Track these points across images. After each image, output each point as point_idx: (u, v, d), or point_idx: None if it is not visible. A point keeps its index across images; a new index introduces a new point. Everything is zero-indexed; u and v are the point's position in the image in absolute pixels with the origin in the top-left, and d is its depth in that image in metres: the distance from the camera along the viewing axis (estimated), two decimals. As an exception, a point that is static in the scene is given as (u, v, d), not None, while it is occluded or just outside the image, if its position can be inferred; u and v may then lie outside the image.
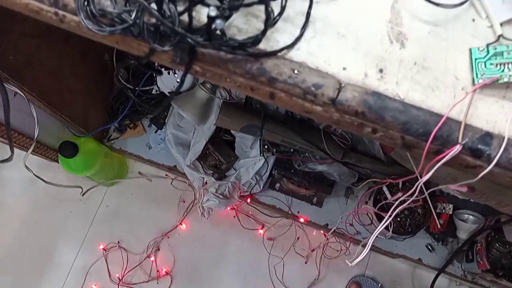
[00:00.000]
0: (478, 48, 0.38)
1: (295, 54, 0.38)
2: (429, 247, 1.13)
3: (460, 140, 0.36)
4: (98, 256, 1.20)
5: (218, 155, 1.08)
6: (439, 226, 1.05)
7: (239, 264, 1.22)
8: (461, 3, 0.38)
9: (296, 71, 0.37)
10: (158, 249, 1.22)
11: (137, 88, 1.04)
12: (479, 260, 1.04)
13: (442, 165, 0.38)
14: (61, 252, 1.22)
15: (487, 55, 0.37)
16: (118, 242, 1.21)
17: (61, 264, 1.21)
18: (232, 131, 1.09)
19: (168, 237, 1.23)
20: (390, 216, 0.48)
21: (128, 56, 1.05)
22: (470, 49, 0.38)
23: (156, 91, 1.07)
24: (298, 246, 1.22)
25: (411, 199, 0.47)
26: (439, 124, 0.36)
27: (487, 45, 0.38)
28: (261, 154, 1.08)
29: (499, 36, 0.38)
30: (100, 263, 1.20)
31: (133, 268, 1.19)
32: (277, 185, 1.17)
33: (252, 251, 1.23)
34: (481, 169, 0.36)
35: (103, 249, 1.20)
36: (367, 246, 0.48)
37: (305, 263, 1.22)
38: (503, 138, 0.35)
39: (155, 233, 1.22)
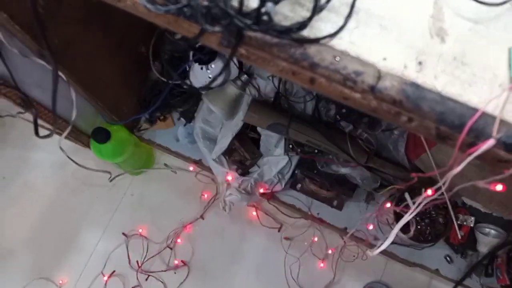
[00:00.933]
0: (518, 47, 0.39)
1: (337, 43, 0.40)
2: (448, 258, 1.12)
3: (494, 134, 0.37)
4: (120, 242, 1.23)
5: (244, 151, 1.10)
6: (459, 237, 1.04)
7: (255, 260, 1.24)
8: (503, 2, 0.39)
9: (337, 58, 0.39)
10: (178, 240, 1.24)
11: (170, 81, 1.08)
12: (499, 275, 1.02)
13: (473, 160, 0.38)
14: (85, 236, 1.26)
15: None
16: (140, 230, 1.24)
17: (84, 247, 1.25)
18: (259, 129, 1.11)
19: (188, 229, 1.25)
20: (414, 210, 0.49)
21: (164, 50, 1.08)
22: (510, 48, 0.39)
23: (188, 85, 1.10)
24: (315, 248, 1.23)
25: (436, 194, 0.47)
26: (475, 117, 0.37)
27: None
28: (286, 153, 1.10)
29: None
30: (120, 250, 1.23)
31: (152, 257, 1.22)
32: (299, 185, 1.18)
33: (269, 249, 1.24)
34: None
35: (125, 235, 1.23)
36: (390, 235, 0.49)
37: (321, 265, 1.23)
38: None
39: (176, 224, 1.25)
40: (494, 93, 0.38)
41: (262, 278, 1.22)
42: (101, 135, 1.02)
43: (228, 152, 1.11)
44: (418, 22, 0.40)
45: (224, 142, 1.08)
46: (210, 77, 1.04)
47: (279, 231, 1.25)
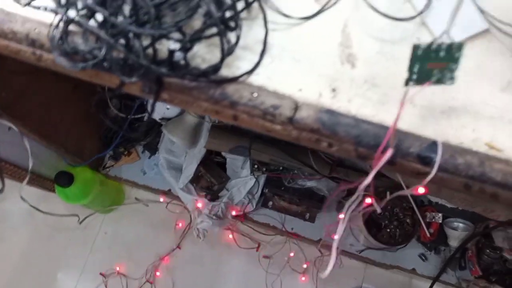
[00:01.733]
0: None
1: (255, 79, 0.42)
2: (422, 256, 1.14)
3: (391, 145, 0.38)
4: (98, 283, 1.22)
5: (210, 176, 1.11)
6: (428, 235, 1.07)
7: (237, 284, 1.23)
8: (411, 18, 0.42)
9: (255, 94, 0.40)
10: (157, 273, 1.23)
11: (129, 117, 1.08)
12: (472, 267, 1.05)
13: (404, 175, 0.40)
14: (62, 281, 1.24)
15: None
16: (117, 268, 1.23)
17: (62, 293, 1.22)
18: (223, 152, 1.12)
19: (166, 261, 1.24)
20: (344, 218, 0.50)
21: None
22: (414, 45, 0.39)
23: (148, 118, 1.11)
24: (294, 262, 1.24)
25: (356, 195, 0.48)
26: (387, 137, 0.39)
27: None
28: (252, 174, 1.11)
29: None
30: (100, 290, 1.21)
31: (132, 293, 1.20)
32: (270, 203, 1.19)
33: (249, 270, 1.24)
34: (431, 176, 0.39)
35: (103, 275, 1.21)
36: (332, 251, 0.50)
37: (303, 279, 1.23)
38: (449, 145, 0.38)
39: (153, 257, 1.24)
40: (406, 109, 0.40)
41: (246, 299, 1.22)
42: (64, 179, 1.01)
43: (195, 180, 1.12)
44: (329, 51, 0.42)
45: (189, 170, 1.09)
46: (167, 108, 1.05)
47: (257, 250, 1.25)
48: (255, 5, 0.43)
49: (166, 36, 0.39)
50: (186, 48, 0.39)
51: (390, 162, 0.39)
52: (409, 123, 0.40)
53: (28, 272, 1.24)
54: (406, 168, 0.39)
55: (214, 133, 1.04)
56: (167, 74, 0.38)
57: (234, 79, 0.41)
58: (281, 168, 1.10)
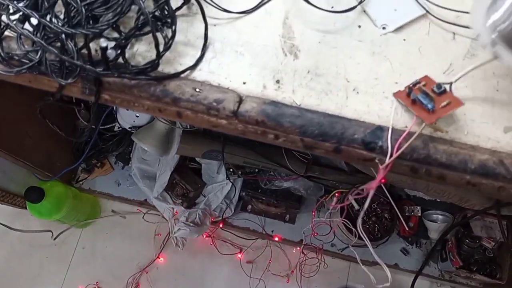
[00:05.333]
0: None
1: (197, 74, 0.41)
2: (404, 251, 1.14)
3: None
4: (78, 300, 1.19)
5: (185, 183, 1.10)
6: (407, 229, 1.07)
7: (220, 291, 1.22)
8: (349, 9, 0.42)
9: (197, 90, 0.40)
10: (138, 286, 1.21)
11: (98, 127, 1.07)
12: (452, 258, 1.05)
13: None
14: (40, 300, 1.21)
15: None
16: (97, 283, 1.20)
17: (41, 312, 1.19)
18: (197, 158, 1.11)
19: (147, 272, 1.22)
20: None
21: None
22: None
23: (118, 128, 1.09)
24: (278, 266, 1.22)
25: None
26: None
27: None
28: (227, 178, 1.10)
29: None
30: (80, 307, 1.19)
31: (113, 308, 1.18)
32: (249, 206, 1.18)
33: (232, 277, 1.22)
34: (377, 161, 0.38)
35: (82, 291, 1.19)
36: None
37: (287, 282, 1.22)
38: (388, 128, 0.37)
39: (134, 269, 1.21)
40: (349, 97, 0.40)
41: (230, 307, 1.20)
42: (34, 195, 0.99)
43: (170, 187, 1.10)
44: (271, 43, 0.42)
45: (163, 178, 1.08)
46: (137, 116, 1.04)
47: (239, 256, 1.24)
48: (193, 1, 0.42)
49: (101, 35, 0.38)
50: (121, 46, 0.38)
51: (336, 150, 0.39)
52: (353, 109, 0.40)
53: (5, 294, 1.21)
54: (352, 156, 0.39)
55: (186, 138, 1.03)
56: (103, 74, 0.37)
57: (175, 75, 0.40)
58: (256, 170, 1.09)
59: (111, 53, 0.36)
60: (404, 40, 0.42)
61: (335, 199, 0.94)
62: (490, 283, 1.05)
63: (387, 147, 0.37)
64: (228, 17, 0.43)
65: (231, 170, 1.10)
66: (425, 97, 0.37)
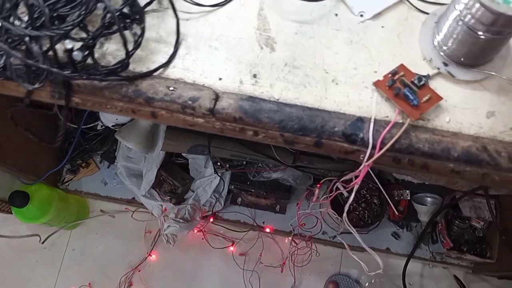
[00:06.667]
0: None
1: (171, 72, 0.40)
2: (395, 235, 1.14)
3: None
4: (71, 302, 1.18)
5: (172, 179, 1.08)
6: (397, 213, 1.07)
7: (214, 285, 1.21)
8: None
9: (171, 88, 0.38)
10: (131, 284, 1.20)
11: (80, 127, 1.04)
12: (443, 240, 1.06)
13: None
14: (32, 304, 1.19)
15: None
16: (89, 284, 1.19)
17: (34, 316, 1.18)
18: (183, 154, 1.10)
19: (139, 271, 1.21)
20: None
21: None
22: None
23: (101, 126, 1.07)
24: (271, 256, 1.22)
25: None
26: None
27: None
28: (215, 172, 1.08)
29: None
30: (73, 309, 1.17)
31: (107, 308, 1.17)
32: (239, 199, 1.17)
33: (225, 270, 1.22)
34: (359, 153, 0.37)
35: (75, 293, 1.18)
36: None
37: (281, 272, 1.22)
38: (370, 120, 0.37)
39: (126, 268, 1.20)
40: (328, 89, 0.39)
41: (225, 300, 1.20)
42: (19, 199, 0.97)
43: (158, 184, 1.09)
44: (246, 37, 0.41)
45: (150, 175, 1.06)
46: (120, 115, 1.01)
47: (231, 249, 1.23)
48: (163, -5, 0.41)
49: (67, 36, 0.36)
50: (88, 46, 0.36)
51: (317, 144, 0.38)
52: (333, 101, 0.39)
53: (-4, 300, 1.20)
54: (333, 149, 0.38)
55: (170, 134, 1.01)
56: (71, 76, 0.36)
57: (147, 74, 0.39)
58: (244, 162, 1.08)
59: (77, 55, 0.34)
60: (383, 27, 0.41)
61: (317, 191, 0.94)
62: (480, 262, 1.06)
63: (368, 139, 0.37)
64: (201, 10, 0.42)
65: (218, 163, 1.09)
66: (411, 92, 0.36)
